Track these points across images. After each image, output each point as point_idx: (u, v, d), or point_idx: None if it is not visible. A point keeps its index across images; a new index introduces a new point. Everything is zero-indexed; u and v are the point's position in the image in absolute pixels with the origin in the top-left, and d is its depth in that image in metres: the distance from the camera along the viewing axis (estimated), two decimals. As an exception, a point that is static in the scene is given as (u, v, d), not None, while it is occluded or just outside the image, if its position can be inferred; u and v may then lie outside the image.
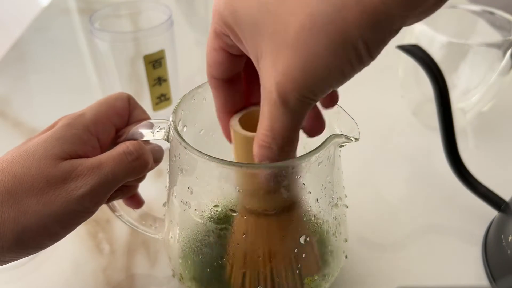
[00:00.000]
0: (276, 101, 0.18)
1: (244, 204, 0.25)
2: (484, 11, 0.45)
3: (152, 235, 0.32)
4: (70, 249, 0.36)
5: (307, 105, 0.18)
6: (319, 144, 0.23)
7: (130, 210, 0.32)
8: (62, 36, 0.72)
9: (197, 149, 0.23)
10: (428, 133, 0.49)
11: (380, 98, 0.54)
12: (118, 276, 0.33)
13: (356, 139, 0.24)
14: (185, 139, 0.24)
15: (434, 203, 0.40)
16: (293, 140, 0.20)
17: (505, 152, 0.46)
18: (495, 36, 0.44)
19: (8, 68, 0.63)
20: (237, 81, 0.23)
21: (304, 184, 0.24)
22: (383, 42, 0.17)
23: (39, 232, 0.23)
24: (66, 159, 0.24)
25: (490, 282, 0.32)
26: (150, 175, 0.30)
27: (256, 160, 0.21)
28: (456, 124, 0.35)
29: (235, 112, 0.25)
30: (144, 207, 0.32)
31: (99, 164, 0.24)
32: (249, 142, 0.23)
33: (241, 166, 0.23)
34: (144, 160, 0.26)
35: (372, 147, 0.47)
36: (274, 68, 0.18)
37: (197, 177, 0.25)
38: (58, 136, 0.24)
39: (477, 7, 0.46)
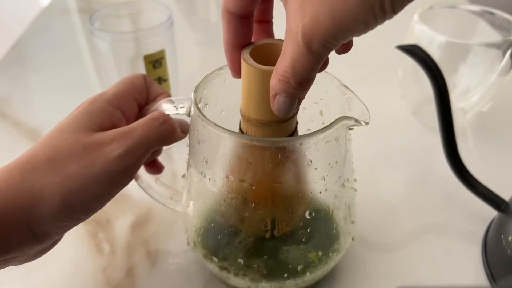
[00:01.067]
0: (300, 43, 0.19)
1: (254, 175, 0.26)
2: (484, 11, 0.45)
3: (172, 207, 0.34)
4: (70, 249, 0.36)
5: (329, 50, 0.20)
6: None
7: (151, 182, 0.33)
8: (62, 36, 0.72)
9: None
10: (428, 133, 0.49)
11: (380, 98, 0.54)
12: (118, 276, 0.33)
13: (366, 123, 0.25)
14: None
15: (434, 203, 0.40)
16: (310, 79, 0.21)
17: (505, 152, 0.46)
18: (495, 36, 0.44)
19: (8, 68, 0.63)
20: (250, 18, 0.24)
21: (311, 160, 0.25)
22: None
23: (84, 194, 0.24)
24: (97, 131, 0.26)
25: (490, 281, 0.32)
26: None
27: (271, 92, 0.22)
28: (456, 124, 0.35)
29: (243, 46, 0.25)
30: (145, 205, 0.32)
31: (131, 130, 0.26)
32: (263, 75, 0.23)
33: (251, 140, 0.24)
34: (170, 125, 0.27)
35: (372, 147, 0.47)
36: (302, 10, 0.19)
37: (212, 149, 0.26)
38: (86, 111, 0.26)
39: (477, 7, 0.46)
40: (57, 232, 0.25)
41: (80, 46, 0.69)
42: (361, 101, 0.26)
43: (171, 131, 0.27)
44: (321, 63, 0.21)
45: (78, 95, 0.55)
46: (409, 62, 0.38)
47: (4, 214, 0.22)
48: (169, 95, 0.30)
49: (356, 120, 0.25)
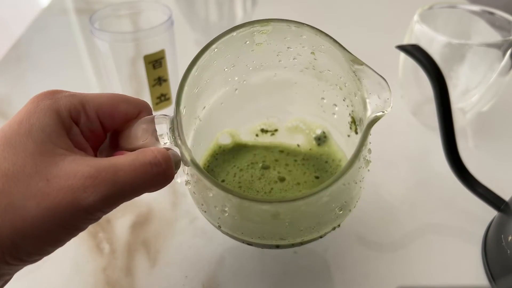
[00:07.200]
0: None
1: None
2: (484, 11, 0.45)
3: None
4: (70, 249, 0.36)
5: None
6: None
7: None
8: (62, 36, 0.72)
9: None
10: (427, 133, 0.49)
11: (380, 98, 0.54)
12: (118, 276, 0.33)
13: (387, 110, 0.24)
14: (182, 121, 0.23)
15: (434, 203, 0.40)
16: None
17: (504, 152, 0.46)
18: (495, 36, 0.44)
19: (8, 68, 0.63)
20: None
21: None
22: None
23: (42, 239, 0.20)
24: (63, 153, 0.20)
25: (490, 281, 0.32)
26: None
27: None
28: (455, 124, 0.35)
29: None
30: (145, 205, 0.32)
31: (114, 171, 0.20)
32: None
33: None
34: (171, 174, 0.22)
35: (371, 147, 0.47)
36: None
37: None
38: (43, 126, 0.20)
39: (476, 7, 0.46)
40: (4, 274, 0.20)
41: (80, 46, 0.69)
42: (377, 73, 0.24)
43: (168, 181, 0.22)
44: None
45: (78, 95, 0.56)
46: (409, 62, 0.38)
47: None
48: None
49: (377, 116, 0.24)
